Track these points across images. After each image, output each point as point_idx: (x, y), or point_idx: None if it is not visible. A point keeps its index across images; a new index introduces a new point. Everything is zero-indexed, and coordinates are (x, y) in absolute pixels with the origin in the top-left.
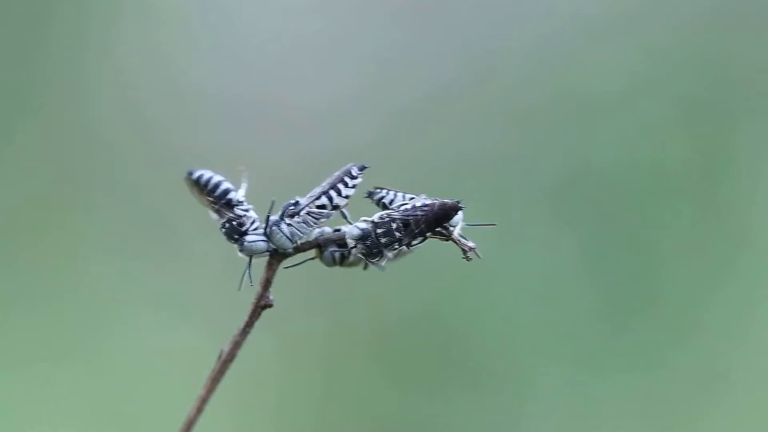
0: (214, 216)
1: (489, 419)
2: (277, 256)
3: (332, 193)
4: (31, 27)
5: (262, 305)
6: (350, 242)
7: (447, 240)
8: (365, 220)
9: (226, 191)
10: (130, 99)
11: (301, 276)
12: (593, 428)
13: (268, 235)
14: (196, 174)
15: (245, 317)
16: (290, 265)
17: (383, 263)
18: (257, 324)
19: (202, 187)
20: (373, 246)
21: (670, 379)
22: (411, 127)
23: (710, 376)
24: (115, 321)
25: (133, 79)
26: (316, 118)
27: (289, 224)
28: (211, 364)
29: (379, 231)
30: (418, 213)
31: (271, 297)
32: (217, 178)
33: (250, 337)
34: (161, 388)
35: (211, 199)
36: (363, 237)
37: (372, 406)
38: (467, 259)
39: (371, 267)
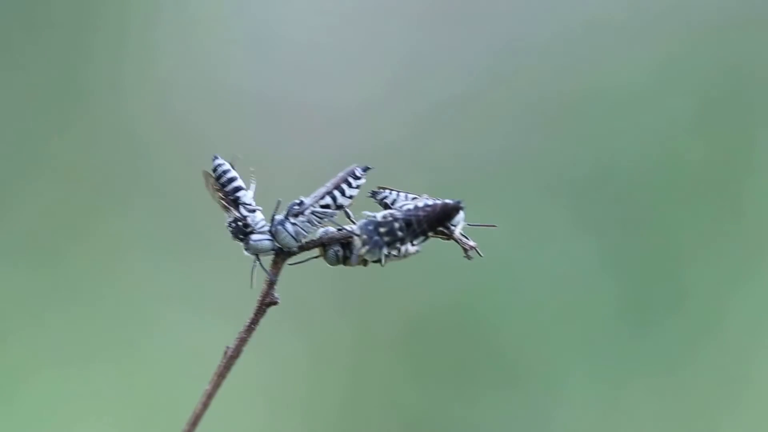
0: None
1: (517, 422)
2: (281, 254)
3: (336, 193)
4: (71, 32)
5: (267, 302)
6: (356, 229)
7: (448, 239)
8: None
9: (237, 188)
10: (168, 102)
11: (328, 273)
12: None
13: (273, 234)
14: (217, 162)
15: (251, 314)
16: (294, 262)
17: (383, 260)
18: (286, 320)
19: (217, 178)
20: (376, 242)
21: (693, 379)
22: (435, 128)
23: (733, 376)
24: (153, 320)
25: (172, 82)
26: (343, 118)
27: (293, 223)
28: (246, 362)
29: (381, 230)
30: (420, 213)
31: (276, 294)
32: (231, 174)
33: (278, 336)
34: (197, 387)
35: (220, 193)
36: (367, 222)
37: (399, 405)
38: (468, 257)
39: (375, 265)
